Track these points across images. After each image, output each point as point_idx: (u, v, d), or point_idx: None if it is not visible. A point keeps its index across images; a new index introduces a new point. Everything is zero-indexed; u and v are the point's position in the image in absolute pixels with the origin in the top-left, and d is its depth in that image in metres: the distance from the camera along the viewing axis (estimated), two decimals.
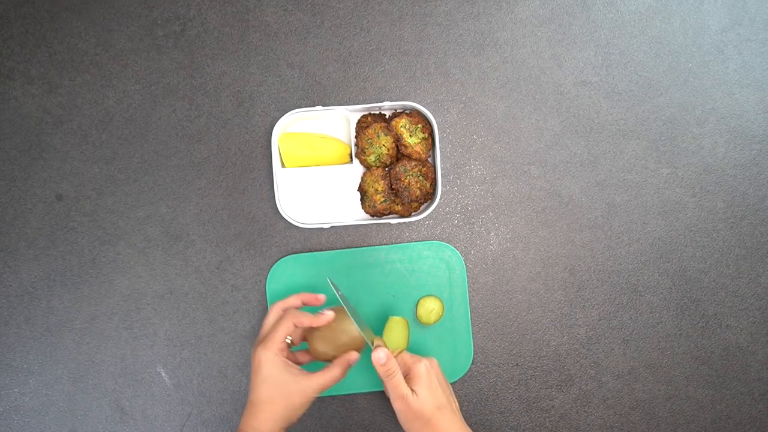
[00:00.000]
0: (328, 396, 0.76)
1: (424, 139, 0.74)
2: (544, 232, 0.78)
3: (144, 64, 0.77)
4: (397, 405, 0.62)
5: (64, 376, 0.75)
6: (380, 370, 0.62)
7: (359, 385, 0.75)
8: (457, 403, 0.66)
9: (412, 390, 0.62)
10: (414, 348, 0.76)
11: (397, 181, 0.73)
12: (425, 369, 0.63)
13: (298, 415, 0.62)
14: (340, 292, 0.66)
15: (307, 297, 0.67)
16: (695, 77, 0.79)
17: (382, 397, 0.76)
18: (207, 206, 0.77)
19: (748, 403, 0.77)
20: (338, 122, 0.76)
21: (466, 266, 0.77)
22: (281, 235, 0.77)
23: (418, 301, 0.76)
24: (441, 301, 0.75)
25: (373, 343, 0.64)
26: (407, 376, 0.63)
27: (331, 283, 0.66)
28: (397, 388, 0.62)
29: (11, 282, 0.75)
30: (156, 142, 0.77)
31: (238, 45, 0.77)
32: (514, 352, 0.77)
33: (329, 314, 0.64)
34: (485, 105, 0.78)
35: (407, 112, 0.76)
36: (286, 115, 0.73)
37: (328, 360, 0.64)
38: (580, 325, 0.78)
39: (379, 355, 0.62)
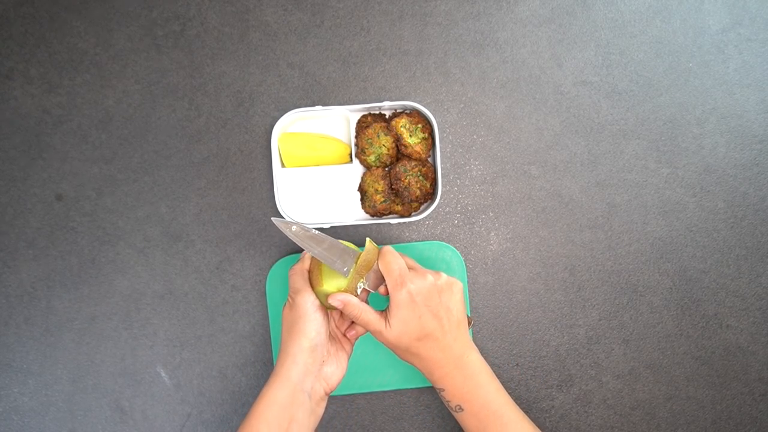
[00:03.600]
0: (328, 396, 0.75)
1: (424, 139, 0.74)
2: (544, 232, 0.78)
3: (144, 64, 0.77)
4: (376, 338, 0.60)
5: (63, 376, 0.75)
6: (346, 313, 0.60)
7: (359, 385, 0.75)
8: (456, 318, 0.60)
9: (387, 321, 0.59)
10: None
11: (397, 181, 0.73)
12: (406, 297, 0.58)
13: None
14: (293, 228, 0.59)
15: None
16: (695, 77, 0.79)
17: (382, 397, 0.76)
18: (207, 206, 0.77)
19: (749, 404, 0.77)
20: (338, 122, 0.76)
21: (466, 266, 0.77)
22: (281, 235, 0.77)
23: None
24: None
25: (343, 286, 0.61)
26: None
27: (278, 222, 0.60)
28: (368, 327, 0.59)
29: (11, 282, 0.75)
30: (156, 142, 0.77)
31: (238, 45, 0.77)
32: (514, 352, 0.77)
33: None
34: (485, 105, 0.78)
35: (407, 112, 0.76)
36: (286, 115, 0.73)
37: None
38: (580, 325, 0.78)
39: (334, 304, 0.59)
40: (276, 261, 0.76)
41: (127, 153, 0.76)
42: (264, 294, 0.76)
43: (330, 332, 0.64)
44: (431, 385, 0.61)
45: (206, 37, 0.77)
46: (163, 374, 0.76)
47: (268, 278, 0.76)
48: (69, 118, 0.76)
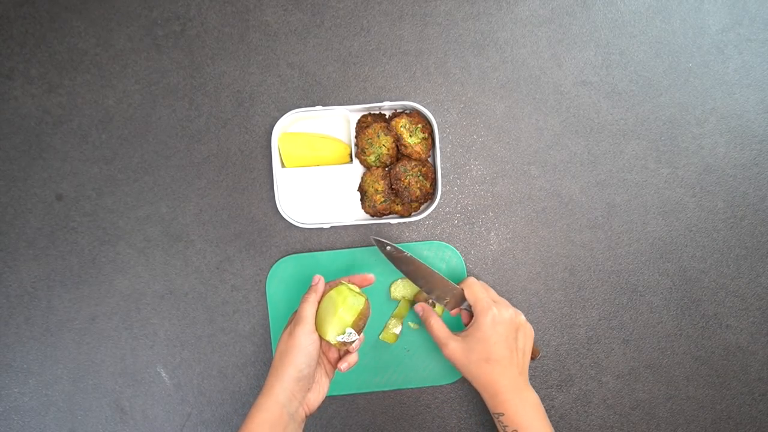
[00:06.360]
0: (328, 396, 0.75)
1: (424, 139, 0.74)
2: (544, 232, 0.78)
3: (144, 64, 0.77)
4: (441, 349, 0.68)
5: (63, 376, 0.75)
6: (418, 314, 0.71)
7: (359, 385, 0.75)
8: (525, 359, 0.66)
9: (462, 337, 0.66)
10: (412, 348, 0.75)
11: (397, 181, 0.73)
12: (490, 321, 0.65)
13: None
14: (387, 247, 0.69)
15: (355, 278, 0.68)
16: (695, 77, 0.79)
17: (382, 397, 0.76)
18: (207, 206, 0.77)
19: (749, 403, 0.77)
20: (338, 122, 0.76)
21: (466, 266, 0.77)
22: (281, 235, 0.77)
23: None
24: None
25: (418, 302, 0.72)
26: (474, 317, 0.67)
27: (377, 240, 0.69)
28: (434, 335, 0.68)
29: (11, 282, 0.75)
30: (156, 142, 0.77)
31: (238, 45, 0.77)
32: None
33: (320, 281, 0.65)
34: (485, 105, 0.78)
35: (407, 112, 0.76)
36: (286, 115, 0.73)
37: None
38: (580, 325, 0.78)
39: (417, 310, 0.72)
40: (276, 261, 0.76)
41: (127, 153, 0.76)
42: (264, 294, 0.76)
43: (318, 361, 0.65)
44: (491, 410, 0.66)
45: (206, 37, 0.77)
46: (163, 374, 0.76)
47: (268, 278, 0.76)
48: (69, 118, 0.76)
